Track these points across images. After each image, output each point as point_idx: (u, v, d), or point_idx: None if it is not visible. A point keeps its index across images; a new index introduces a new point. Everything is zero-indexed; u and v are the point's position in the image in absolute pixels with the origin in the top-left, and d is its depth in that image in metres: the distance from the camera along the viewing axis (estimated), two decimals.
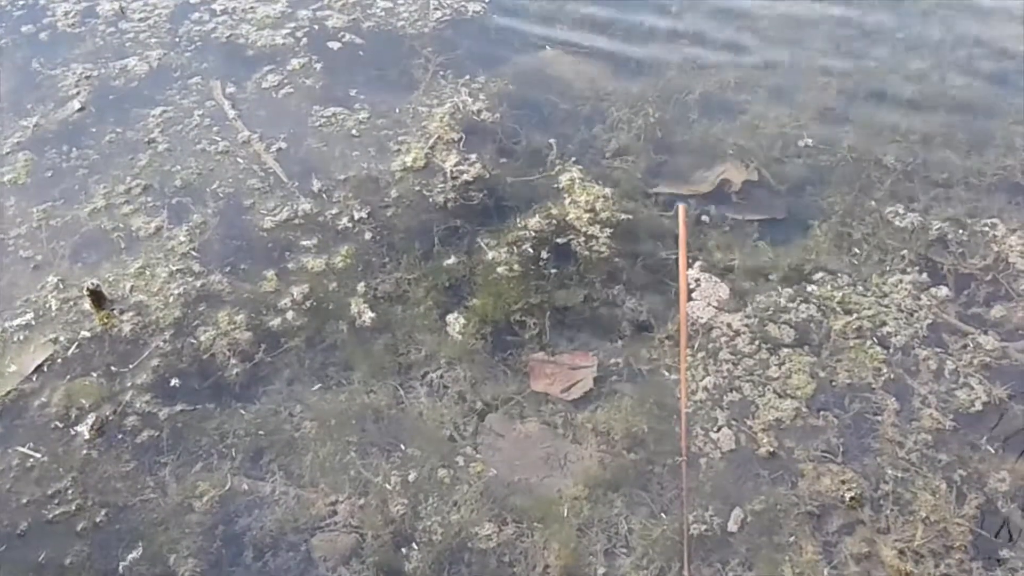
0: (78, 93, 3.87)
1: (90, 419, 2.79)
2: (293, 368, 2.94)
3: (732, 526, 2.57)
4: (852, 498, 2.60)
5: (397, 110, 3.82)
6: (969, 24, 4.32)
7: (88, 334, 3.01)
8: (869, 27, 4.31)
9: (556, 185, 3.50)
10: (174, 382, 2.89)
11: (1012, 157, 3.62)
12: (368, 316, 3.07)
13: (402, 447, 2.75)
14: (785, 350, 2.95)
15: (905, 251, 3.25)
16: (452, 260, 3.24)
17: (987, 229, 3.32)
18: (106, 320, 3.03)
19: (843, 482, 2.63)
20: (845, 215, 3.39)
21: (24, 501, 2.62)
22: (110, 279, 3.15)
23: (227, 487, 2.65)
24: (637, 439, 2.76)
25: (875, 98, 3.92)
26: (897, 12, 4.40)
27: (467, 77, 3.97)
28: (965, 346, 2.96)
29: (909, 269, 3.19)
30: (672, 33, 4.27)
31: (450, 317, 3.07)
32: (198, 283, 3.16)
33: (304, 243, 3.29)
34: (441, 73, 3.99)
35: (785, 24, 4.33)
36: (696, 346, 2.98)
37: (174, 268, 3.20)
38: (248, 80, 3.97)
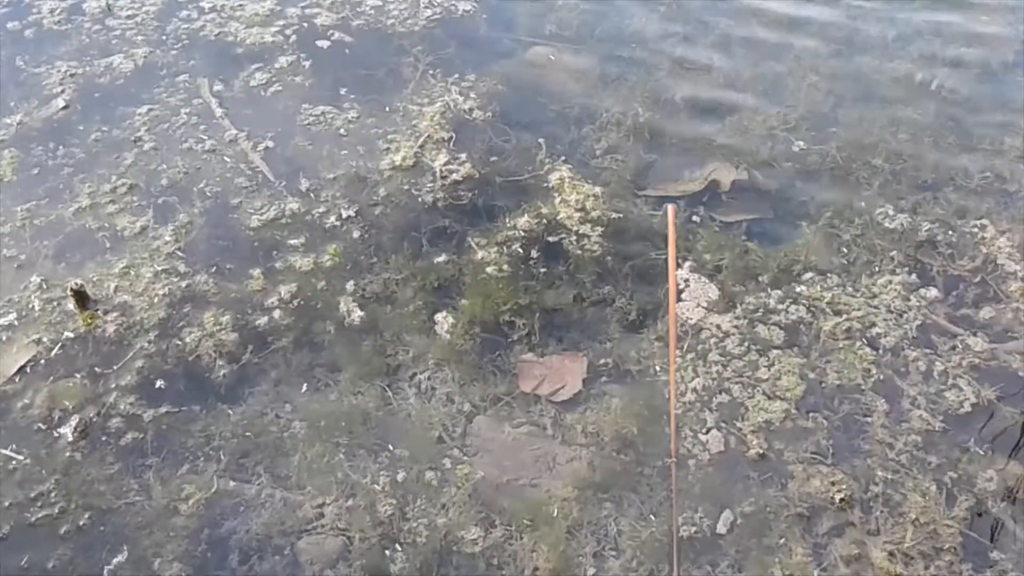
0: (63, 91, 3.83)
1: (74, 421, 2.76)
2: (280, 369, 2.92)
3: (721, 528, 2.56)
4: (842, 500, 2.59)
5: (387, 108, 3.80)
6: (958, 25, 4.32)
7: (72, 335, 2.97)
8: (858, 27, 4.30)
9: (546, 184, 3.49)
10: (159, 383, 2.87)
11: (1000, 158, 3.63)
12: (356, 317, 3.05)
13: (390, 449, 2.73)
14: (775, 351, 2.95)
15: (894, 252, 3.25)
16: (441, 260, 3.22)
17: (976, 230, 3.32)
18: (90, 321, 3.00)
19: (833, 483, 2.62)
20: (834, 216, 3.39)
21: (6, 504, 2.59)
22: (94, 279, 3.12)
23: (213, 490, 2.62)
24: (626, 441, 2.75)
25: (864, 99, 3.92)
26: (886, 13, 4.39)
27: (456, 76, 3.95)
28: (954, 347, 2.96)
29: (898, 270, 3.19)
30: (662, 33, 4.26)
31: (439, 317, 3.05)
32: (183, 283, 3.13)
33: (291, 242, 3.27)
34: (431, 72, 3.97)
35: (774, 24, 4.33)
36: (685, 347, 2.97)
37: (159, 268, 3.16)
38: (236, 78, 3.93)
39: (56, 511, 2.58)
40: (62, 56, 4.01)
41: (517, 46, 4.16)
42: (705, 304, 3.08)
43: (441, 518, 2.57)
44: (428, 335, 3.01)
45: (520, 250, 3.25)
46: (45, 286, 3.10)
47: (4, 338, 2.96)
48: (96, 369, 2.89)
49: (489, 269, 3.19)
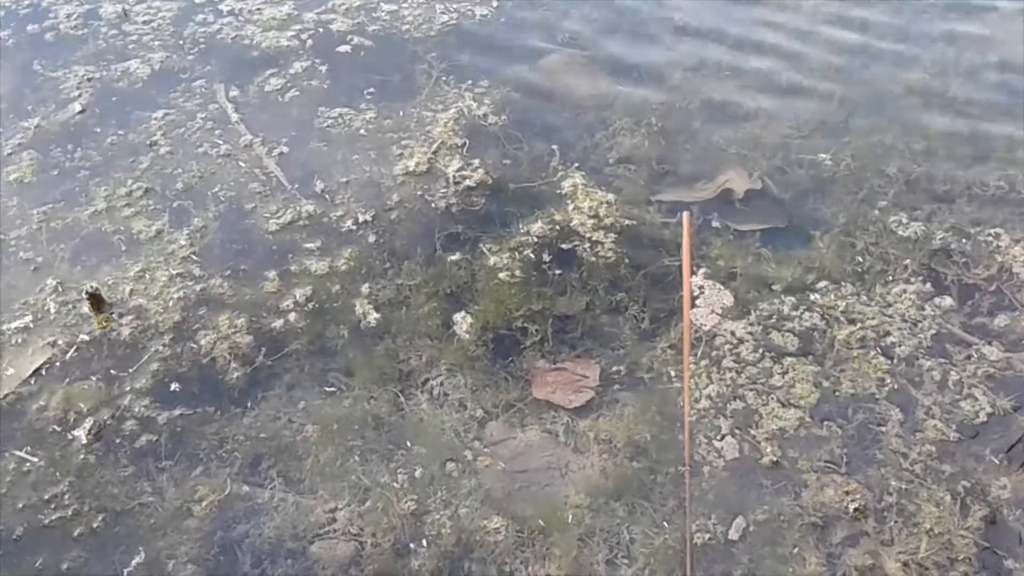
0: (79, 95, 3.86)
1: (88, 423, 2.77)
2: (293, 373, 2.92)
3: (733, 534, 2.55)
4: (856, 509, 2.58)
5: (401, 113, 3.81)
6: (973, 34, 4.32)
7: (87, 337, 2.99)
8: (872, 36, 4.30)
9: (559, 191, 3.49)
10: (173, 386, 2.88)
11: (1015, 167, 3.61)
12: (370, 320, 3.06)
13: (402, 454, 2.73)
14: (789, 359, 2.94)
15: (908, 261, 3.23)
16: (454, 265, 3.23)
17: (991, 239, 3.31)
18: (105, 323, 3.01)
19: (847, 493, 2.61)
20: (848, 224, 3.38)
21: (20, 506, 2.60)
22: (110, 282, 3.14)
23: (226, 492, 2.63)
24: (639, 448, 2.74)
25: (878, 107, 3.91)
26: (901, 21, 4.39)
27: (470, 82, 3.96)
28: (969, 357, 2.95)
29: (913, 279, 3.18)
30: (676, 40, 4.26)
31: (451, 322, 3.05)
32: (198, 287, 3.14)
33: (306, 246, 3.28)
34: (444, 79, 3.98)
35: (787, 33, 4.33)
36: (699, 354, 2.96)
37: (174, 272, 3.18)
38: (251, 83, 3.95)
39: (70, 513, 2.58)
40: (79, 60, 4.04)
41: (531, 53, 4.17)
42: (719, 311, 3.07)
43: (454, 521, 2.57)
44: (441, 340, 3.01)
45: (533, 256, 3.26)
46: (61, 289, 3.12)
47: (20, 340, 2.98)
48: (111, 372, 2.91)
49: (502, 275, 3.19)
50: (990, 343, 2.99)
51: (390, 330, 3.04)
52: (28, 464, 2.69)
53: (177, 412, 2.81)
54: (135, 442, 2.74)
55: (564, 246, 3.30)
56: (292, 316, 3.07)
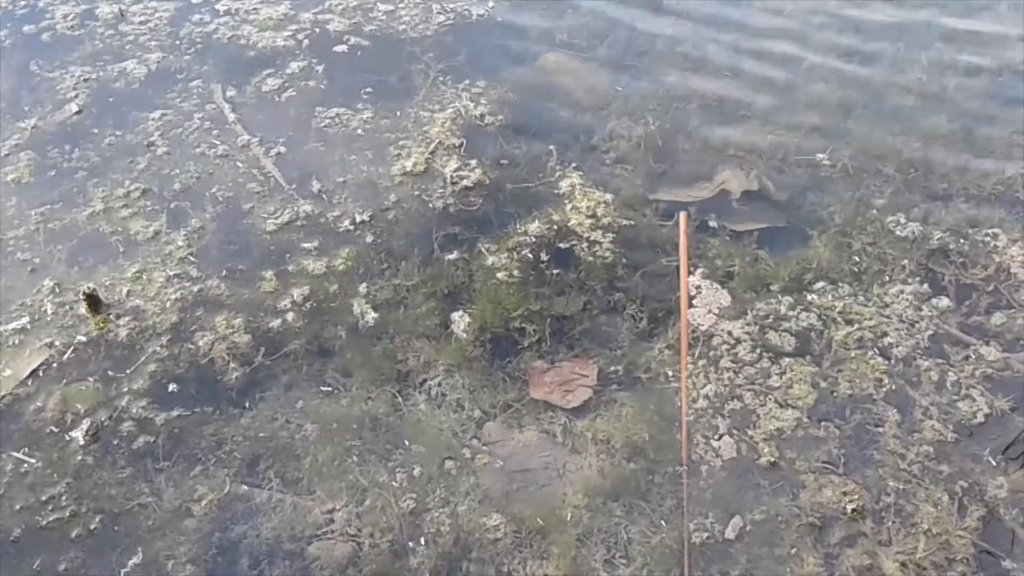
0: (76, 96, 3.85)
1: (85, 424, 2.77)
2: (291, 373, 2.92)
3: (730, 533, 2.55)
4: (854, 510, 2.58)
5: (398, 113, 3.81)
6: (969, 34, 4.32)
7: (84, 339, 2.98)
8: (869, 37, 4.30)
9: (556, 191, 3.49)
10: (171, 387, 2.87)
11: (1012, 168, 3.62)
12: (368, 319, 3.05)
13: (400, 454, 2.73)
14: (786, 359, 2.94)
15: (906, 261, 3.24)
16: (452, 266, 3.23)
17: (988, 239, 3.31)
18: (102, 324, 3.01)
19: (844, 493, 2.62)
20: (845, 224, 3.38)
21: (18, 507, 2.60)
22: (107, 283, 3.13)
23: (224, 493, 2.63)
24: (637, 448, 2.74)
25: (875, 107, 3.91)
26: (897, 22, 4.39)
27: (467, 82, 3.96)
28: (967, 357, 2.95)
29: (910, 279, 3.18)
30: (672, 41, 4.26)
31: (449, 323, 3.05)
32: (195, 288, 3.14)
33: (304, 246, 3.28)
34: (441, 79, 3.98)
35: (784, 33, 4.33)
36: (697, 354, 2.97)
37: (172, 272, 3.18)
38: (248, 83, 3.95)
39: (68, 514, 2.58)
40: (76, 61, 4.03)
41: (528, 53, 4.17)
42: (717, 310, 3.08)
43: (452, 522, 2.57)
44: (439, 340, 3.01)
45: (531, 256, 3.26)
46: (58, 290, 3.11)
47: (17, 341, 2.97)
48: (108, 373, 2.90)
49: (500, 275, 3.19)
50: (988, 343, 2.99)
51: (388, 330, 3.04)
52: (25, 465, 2.69)
53: (175, 413, 2.81)
54: (133, 443, 2.74)
55: (562, 246, 3.30)
56: (290, 316, 3.07)
